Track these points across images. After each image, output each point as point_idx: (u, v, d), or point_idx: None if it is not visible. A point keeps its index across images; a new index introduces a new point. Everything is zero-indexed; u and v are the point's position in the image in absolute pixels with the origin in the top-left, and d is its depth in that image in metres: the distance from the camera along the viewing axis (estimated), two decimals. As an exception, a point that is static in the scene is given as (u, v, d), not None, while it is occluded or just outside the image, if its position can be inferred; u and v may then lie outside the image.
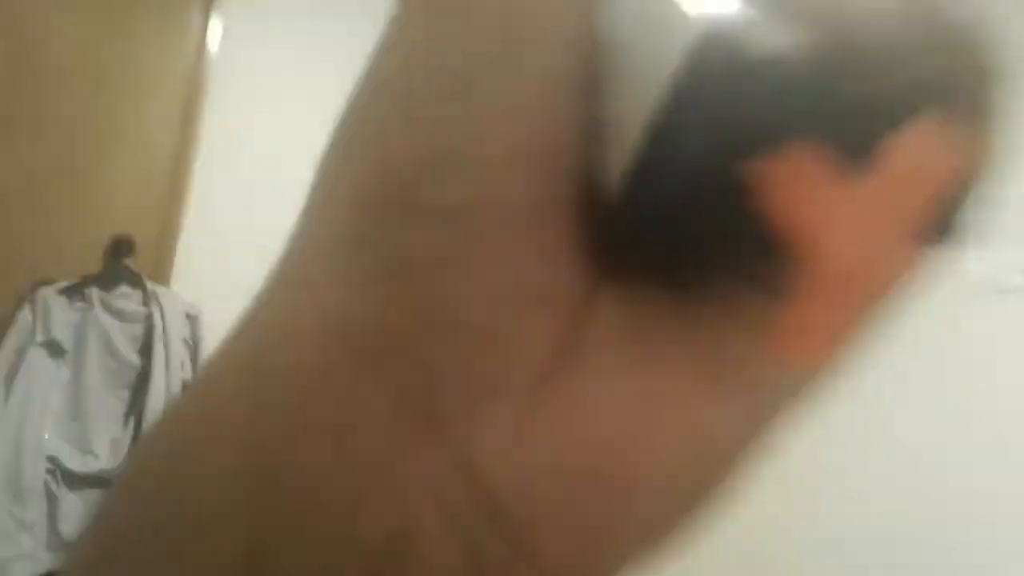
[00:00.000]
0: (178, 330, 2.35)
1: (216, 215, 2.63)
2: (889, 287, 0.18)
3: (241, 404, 0.17)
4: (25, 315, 2.17)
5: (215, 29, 2.66)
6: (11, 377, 2.10)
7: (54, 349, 2.16)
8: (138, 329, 2.31)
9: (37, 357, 2.13)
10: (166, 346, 2.31)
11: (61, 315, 2.20)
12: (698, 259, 0.17)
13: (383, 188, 0.17)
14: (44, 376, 2.12)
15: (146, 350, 2.29)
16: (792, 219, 0.16)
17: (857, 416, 2.25)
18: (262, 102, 2.75)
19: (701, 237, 0.17)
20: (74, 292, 2.26)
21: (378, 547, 0.16)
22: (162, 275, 2.49)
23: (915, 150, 0.16)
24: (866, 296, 0.18)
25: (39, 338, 2.15)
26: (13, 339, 2.14)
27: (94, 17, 2.47)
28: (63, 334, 2.18)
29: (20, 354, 2.12)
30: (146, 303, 2.34)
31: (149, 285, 2.36)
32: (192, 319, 2.41)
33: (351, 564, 0.16)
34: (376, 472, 0.16)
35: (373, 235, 0.17)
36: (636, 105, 0.16)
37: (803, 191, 0.16)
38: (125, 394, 2.23)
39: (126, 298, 2.33)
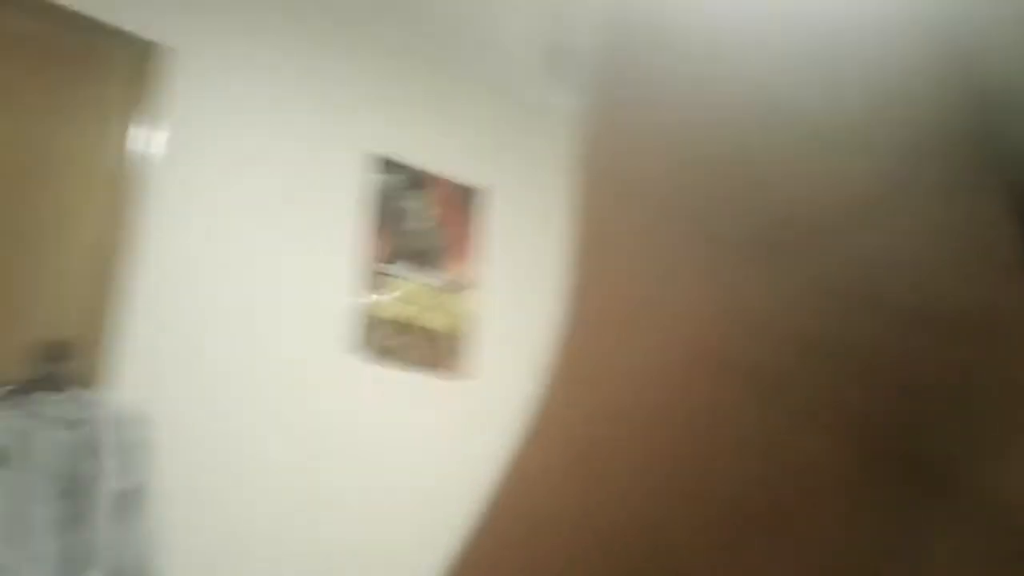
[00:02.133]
0: (117, 434, 2.19)
1: (154, 320, 2.52)
2: None
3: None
4: (-44, 425, 1.99)
5: (151, 134, 2.60)
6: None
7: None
8: (76, 435, 2.14)
9: (-28, 468, 1.94)
10: (105, 453, 2.14)
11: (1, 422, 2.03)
12: None
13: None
14: (-20, 487, 1.93)
15: (84, 457, 2.12)
16: None
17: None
18: (197, 207, 2.69)
19: None
20: (11, 400, 2.09)
21: None
22: (100, 378, 2.34)
23: None
24: None
25: (-25, 447, 1.97)
26: (-56, 449, 1.95)
27: (23, 119, 2.39)
28: (3, 441, 2.00)
29: (-48, 464, 1.94)
30: (83, 409, 2.18)
31: (87, 391, 2.21)
32: (131, 423, 2.25)
33: None
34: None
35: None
36: None
37: None
38: (64, 503, 2.04)
39: (63, 405, 2.17)
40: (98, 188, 2.48)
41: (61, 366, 2.21)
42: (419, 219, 3.15)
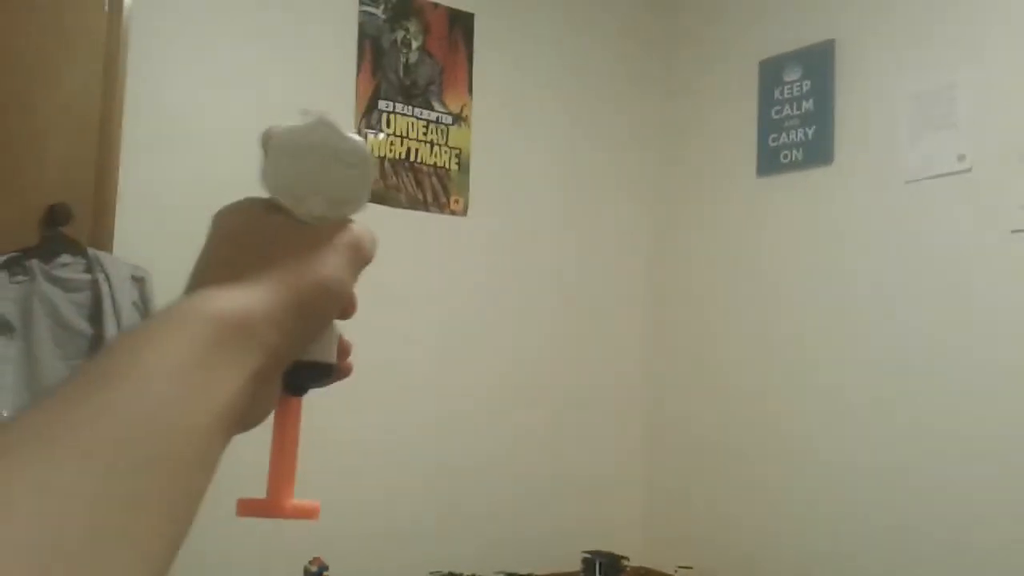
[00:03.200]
0: (126, 293, 2.27)
1: (150, 177, 2.54)
2: None
3: None
4: (-34, 294, 2.08)
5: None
6: (-40, 358, 2.02)
7: (2, 326, 2.08)
8: (84, 297, 2.22)
9: (-16, 335, 2.05)
10: (116, 311, 2.23)
11: (3, 290, 2.11)
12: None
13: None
14: (-6, 353, 2.05)
15: (95, 317, 2.21)
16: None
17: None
18: (182, 56, 2.64)
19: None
20: (13, 266, 2.16)
21: None
22: (102, 241, 2.40)
23: None
24: None
25: (-16, 316, 2.06)
26: (-43, 319, 2.05)
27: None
28: (8, 309, 2.09)
29: (-34, 334, 2.04)
30: (90, 270, 2.26)
31: (91, 251, 2.28)
32: (139, 281, 2.33)
33: None
34: None
35: None
36: None
37: None
38: (78, 363, 2.16)
39: (68, 267, 2.24)
40: (83, 45, 2.43)
41: (62, 230, 2.27)
42: (410, 50, 3.07)
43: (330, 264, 0.46)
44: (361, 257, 0.48)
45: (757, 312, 3.22)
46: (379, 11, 3.00)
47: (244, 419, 0.41)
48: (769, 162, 3.21)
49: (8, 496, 0.26)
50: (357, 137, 0.50)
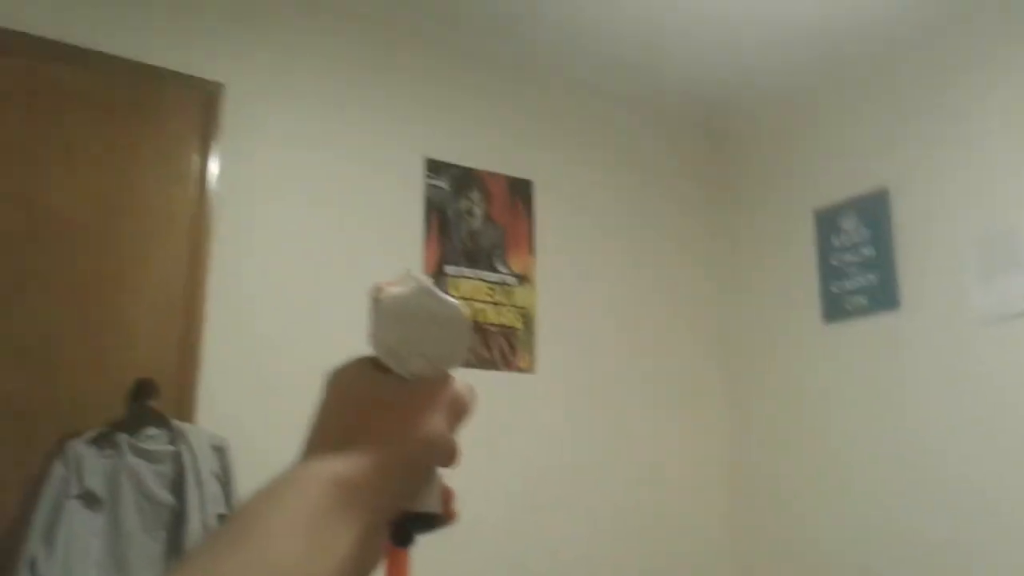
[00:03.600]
0: (207, 463, 2.30)
1: (232, 348, 2.62)
2: None
3: None
4: (58, 469, 2.13)
5: (214, 169, 2.69)
6: (51, 532, 2.04)
7: (89, 499, 2.11)
8: (168, 468, 2.26)
9: (74, 510, 2.07)
10: (198, 481, 2.26)
11: (92, 465, 2.15)
12: None
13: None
14: (82, 527, 2.06)
15: (178, 488, 2.24)
16: None
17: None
18: (263, 232, 2.77)
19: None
20: (103, 440, 2.21)
21: None
22: (186, 411, 2.45)
23: None
24: None
25: (73, 491, 2.09)
26: (48, 495, 2.08)
27: (98, 169, 2.49)
28: (97, 483, 2.12)
29: (57, 509, 2.07)
30: (173, 441, 2.30)
31: (174, 423, 2.33)
32: (219, 451, 2.36)
33: None
34: None
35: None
36: None
37: None
38: (162, 535, 2.17)
39: (153, 439, 2.28)
40: (171, 227, 2.58)
41: (148, 403, 2.33)
42: (473, 218, 3.19)
43: (433, 421, 0.49)
44: (461, 410, 0.52)
45: (830, 459, 3.13)
46: (444, 184, 3.15)
47: (357, 571, 0.44)
48: (834, 308, 3.21)
49: None
50: (454, 301, 0.53)
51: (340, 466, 0.45)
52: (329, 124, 2.95)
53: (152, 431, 2.29)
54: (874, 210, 3.11)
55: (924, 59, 3.06)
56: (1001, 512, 2.59)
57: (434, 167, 3.13)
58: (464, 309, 0.54)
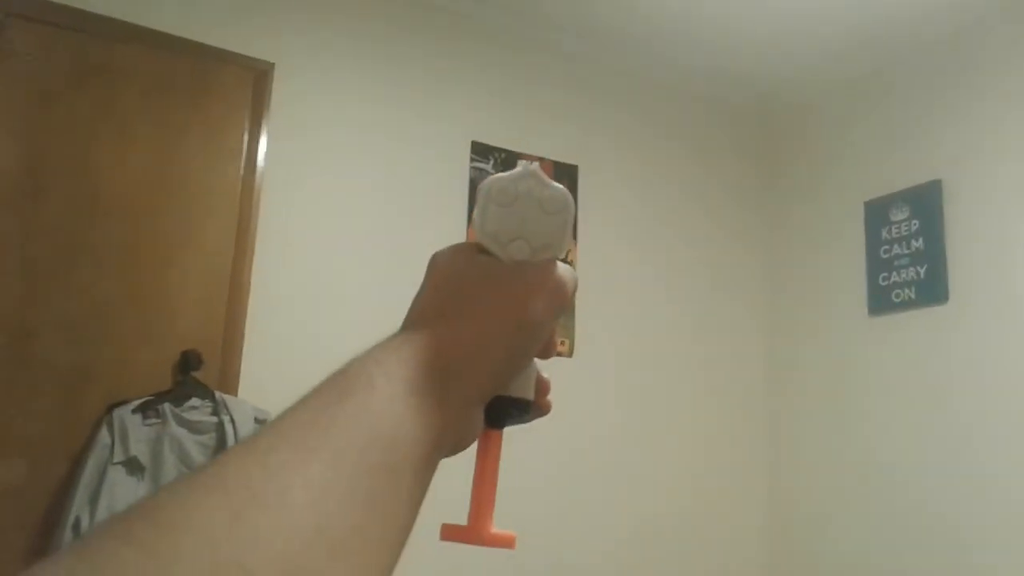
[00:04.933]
0: (249, 434, 2.33)
1: (275, 322, 2.64)
2: None
3: None
4: (103, 435, 2.17)
5: (263, 148, 2.71)
6: (94, 497, 2.08)
7: (133, 466, 2.15)
8: (210, 438, 2.29)
9: (117, 476, 2.12)
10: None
11: (137, 433, 2.19)
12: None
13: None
14: (125, 493, 2.11)
15: (219, 458, 2.27)
16: None
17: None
18: (309, 211, 2.79)
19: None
20: (148, 409, 2.25)
21: None
22: (229, 383, 2.49)
23: None
24: None
25: (118, 457, 2.14)
26: (93, 460, 2.13)
27: (150, 146, 2.53)
28: (140, 451, 2.16)
29: (101, 474, 2.11)
30: (216, 412, 2.33)
31: (218, 394, 2.36)
32: (261, 423, 2.39)
33: None
34: None
35: None
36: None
37: None
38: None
39: (197, 410, 2.32)
40: (219, 204, 2.61)
41: (193, 375, 2.37)
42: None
43: (534, 305, 0.48)
44: (563, 299, 0.50)
45: (870, 454, 3.06)
46: (488, 166, 3.13)
47: (452, 444, 0.44)
48: (880, 301, 3.12)
49: (287, 484, 0.32)
50: (559, 186, 0.52)
51: (442, 339, 0.44)
52: (377, 105, 2.95)
53: (196, 402, 2.33)
54: (926, 202, 3.02)
55: (978, 48, 2.94)
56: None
57: (480, 150, 3.11)
58: (569, 196, 0.53)
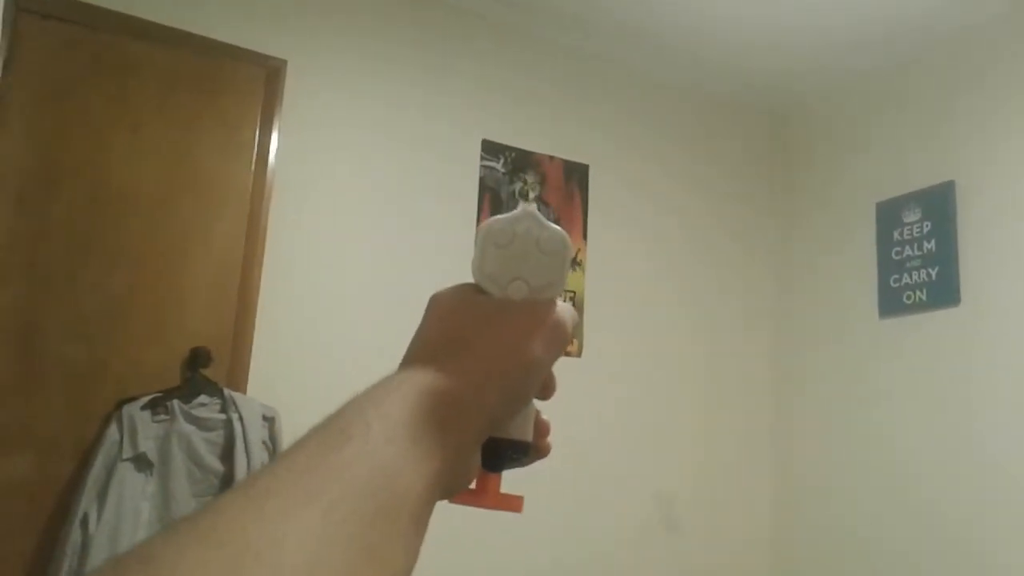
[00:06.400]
0: (257, 432, 2.31)
1: (284, 321, 2.62)
2: None
3: None
4: (112, 431, 2.15)
5: (274, 145, 2.69)
6: (103, 493, 2.07)
7: (141, 463, 2.13)
8: (218, 436, 2.27)
9: (126, 472, 2.10)
10: (247, 449, 2.27)
11: (146, 429, 2.17)
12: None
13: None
14: (133, 490, 2.09)
15: (227, 455, 2.25)
16: None
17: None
18: (319, 209, 2.77)
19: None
20: (157, 405, 2.23)
21: None
22: (238, 381, 2.47)
23: None
24: None
25: (127, 454, 2.12)
26: (101, 456, 2.11)
27: (162, 142, 2.51)
28: (149, 448, 2.15)
29: (109, 470, 2.10)
30: (224, 410, 2.31)
31: (227, 392, 2.34)
32: (269, 420, 2.37)
33: None
34: None
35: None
36: None
37: None
38: (209, 499, 2.18)
39: (206, 407, 2.30)
40: (230, 201, 2.59)
41: (202, 372, 2.35)
42: (527, 200, 3.14)
43: (533, 344, 0.47)
44: (562, 338, 0.50)
45: (879, 456, 3.01)
46: (499, 164, 3.10)
47: (447, 486, 0.43)
48: (891, 303, 3.08)
49: (282, 534, 0.31)
50: (556, 227, 0.52)
51: (440, 378, 0.43)
52: (389, 103, 2.93)
53: (205, 399, 2.31)
54: (939, 204, 2.97)
55: (994, 51, 2.90)
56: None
57: (490, 148, 3.08)
58: (567, 237, 0.53)
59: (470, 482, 0.47)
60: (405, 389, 0.42)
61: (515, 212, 0.52)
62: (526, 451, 0.50)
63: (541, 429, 0.52)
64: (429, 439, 0.40)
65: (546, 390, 0.50)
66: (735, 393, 3.46)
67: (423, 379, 0.43)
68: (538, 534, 2.88)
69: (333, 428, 0.38)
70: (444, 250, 2.84)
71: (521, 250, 0.51)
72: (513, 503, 0.49)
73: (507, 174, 3.12)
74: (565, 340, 0.50)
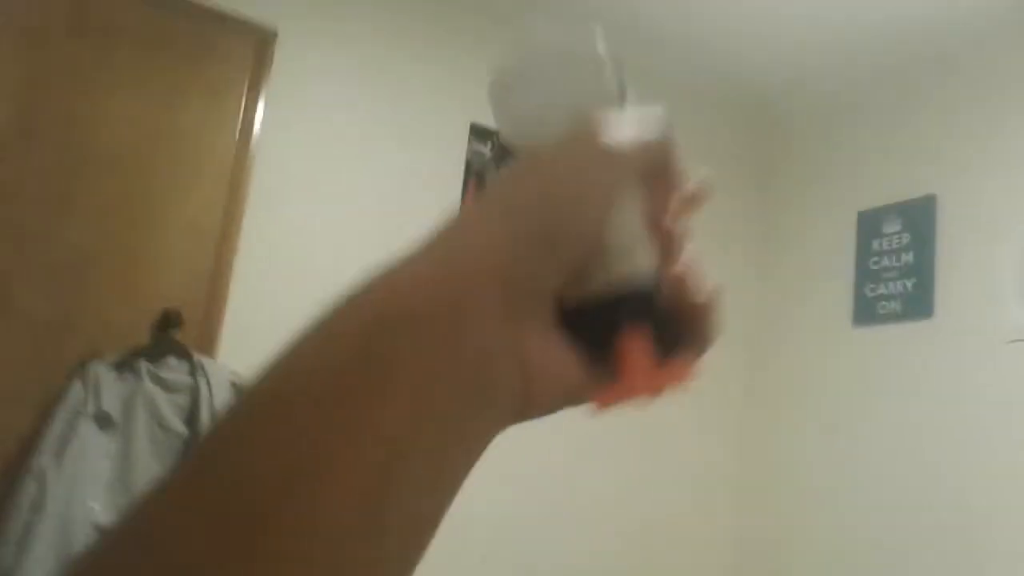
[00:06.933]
0: (223, 399, 2.29)
1: (260, 289, 2.60)
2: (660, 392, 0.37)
3: None
4: (76, 388, 2.13)
5: (260, 115, 2.66)
6: (62, 448, 2.04)
7: (104, 421, 2.11)
8: (184, 399, 2.25)
9: (87, 429, 2.08)
10: (212, 415, 2.25)
11: (111, 387, 2.15)
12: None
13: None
14: (94, 447, 2.07)
15: (191, 419, 2.23)
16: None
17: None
18: (301, 181, 2.75)
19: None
20: (123, 365, 2.21)
21: None
22: (208, 346, 2.45)
23: None
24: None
25: (89, 410, 2.10)
26: (64, 411, 2.09)
27: (143, 102, 2.48)
28: (112, 406, 2.12)
29: (71, 426, 2.07)
30: (192, 374, 2.29)
31: (196, 356, 2.32)
32: (237, 388, 2.35)
33: None
34: None
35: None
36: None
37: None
38: (171, 463, 2.16)
39: (173, 369, 2.28)
40: (211, 166, 2.57)
41: (172, 334, 2.33)
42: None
43: (553, 158, 0.33)
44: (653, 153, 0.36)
45: (852, 466, 3.03)
46: (486, 149, 3.09)
47: (519, 412, 0.31)
48: (866, 312, 3.09)
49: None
50: (587, 25, 0.38)
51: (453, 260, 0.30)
52: (378, 80, 2.91)
53: (173, 361, 2.29)
54: (919, 217, 2.98)
55: (979, 66, 2.91)
56: (1017, 532, 2.48)
57: (479, 132, 3.07)
58: (600, 31, 0.37)
59: (570, 380, 0.32)
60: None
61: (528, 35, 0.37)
62: (645, 291, 0.33)
63: (667, 243, 0.34)
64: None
65: (661, 171, 0.35)
66: (703, 396, 3.46)
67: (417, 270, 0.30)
68: (491, 547, 2.88)
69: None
70: (425, 230, 2.82)
71: (547, 74, 0.37)
72: (675, 374, 0.33)
73: (494, 159, 3.10)
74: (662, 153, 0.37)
